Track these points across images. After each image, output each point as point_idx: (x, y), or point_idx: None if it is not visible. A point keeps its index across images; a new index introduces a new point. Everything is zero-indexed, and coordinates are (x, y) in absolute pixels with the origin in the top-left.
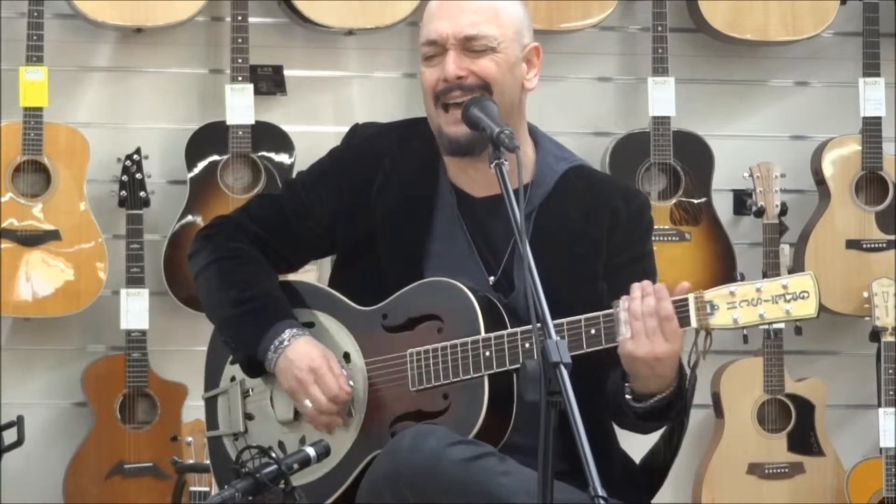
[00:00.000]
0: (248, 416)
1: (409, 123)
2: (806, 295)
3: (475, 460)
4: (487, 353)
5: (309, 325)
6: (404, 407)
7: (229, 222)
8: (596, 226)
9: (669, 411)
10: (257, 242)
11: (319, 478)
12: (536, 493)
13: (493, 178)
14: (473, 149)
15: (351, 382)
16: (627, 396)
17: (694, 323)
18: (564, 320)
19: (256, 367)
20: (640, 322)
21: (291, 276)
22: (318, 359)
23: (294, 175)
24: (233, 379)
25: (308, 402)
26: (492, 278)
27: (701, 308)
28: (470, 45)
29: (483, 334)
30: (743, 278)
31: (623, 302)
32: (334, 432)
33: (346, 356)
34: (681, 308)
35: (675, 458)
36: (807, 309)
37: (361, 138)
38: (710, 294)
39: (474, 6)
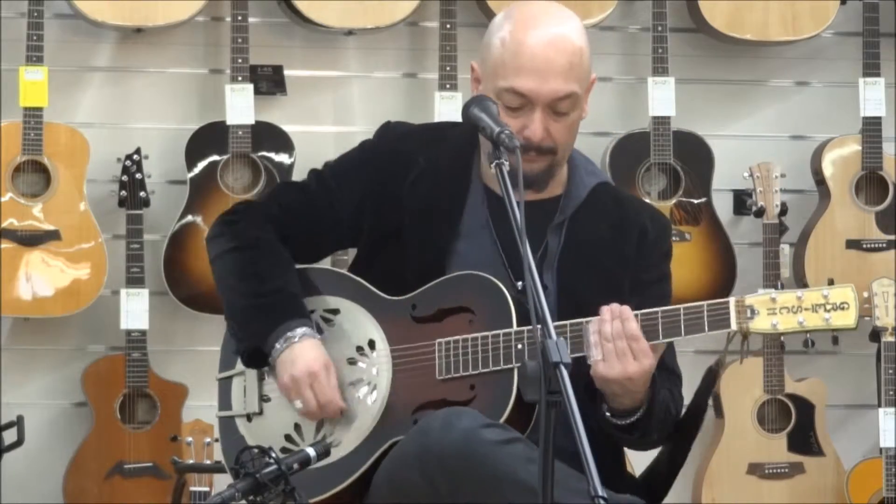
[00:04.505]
0: (265, 399)
1: (441, 126)
2: (846, 306)
3: (507, 444)
4: (519, 346)
5: (334, 312)
6: (429, 395)
7: (254, 209)
8: (625, 241)
9: (648, 422)
10: (281, 231)
11: (334, 462)
12: (562, 482)
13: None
14: (540, 183)
15: (342, 404)
16: (607, 414)
17: (734, 325)
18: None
19: (259, 358)
20: (611, 344)
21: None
22: (319, 365)
23: (321, 165)
24: None
25: (299, 403)
26: (520, 284)
27: (741, 311)
28: (555, 107)
29: (515, 328)
30: (783, 287)
31: (593, 325)
32: (353, 418)
33: (371, 343)
34: (721, 311)
35: (675, 477)
36: (846, 319)
37: (396, 134)
38: (751, 299)
39: (563, 63)
